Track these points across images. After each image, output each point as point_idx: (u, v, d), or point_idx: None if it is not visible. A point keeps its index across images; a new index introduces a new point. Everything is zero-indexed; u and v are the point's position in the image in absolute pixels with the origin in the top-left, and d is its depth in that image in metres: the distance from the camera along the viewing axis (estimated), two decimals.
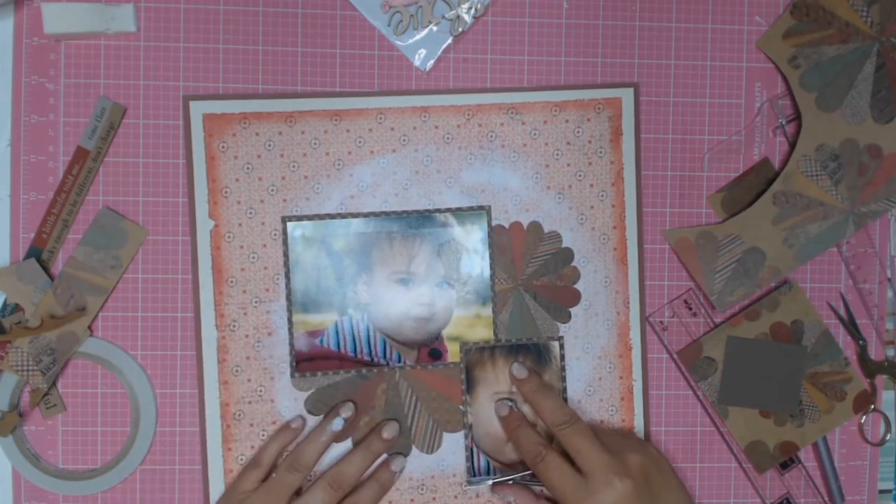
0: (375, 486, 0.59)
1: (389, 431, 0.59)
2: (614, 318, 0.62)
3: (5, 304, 0.58)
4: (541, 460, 0.56)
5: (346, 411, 0.59)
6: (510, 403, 0.61)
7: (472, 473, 0.61)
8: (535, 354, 0.61)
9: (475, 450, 0.61)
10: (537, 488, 0.60)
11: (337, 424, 0.58)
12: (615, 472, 0.54)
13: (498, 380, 0.61)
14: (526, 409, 0.61)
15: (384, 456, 0.60)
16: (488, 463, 0.61)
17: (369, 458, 0.59)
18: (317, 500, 0.56)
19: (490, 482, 0.60)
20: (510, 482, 0.60)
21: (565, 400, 0.61)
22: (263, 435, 0.60)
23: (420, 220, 0.61)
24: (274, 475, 0.58)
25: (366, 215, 0.60)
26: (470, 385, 0.61)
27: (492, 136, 0.61)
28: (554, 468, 0.56)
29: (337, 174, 0.60)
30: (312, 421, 0.60)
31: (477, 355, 0.61)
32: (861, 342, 0.64)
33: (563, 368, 0.61)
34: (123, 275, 0.59)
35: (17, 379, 0.58)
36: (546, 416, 0.58)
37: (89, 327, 0.58)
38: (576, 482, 0.55)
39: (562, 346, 0.61)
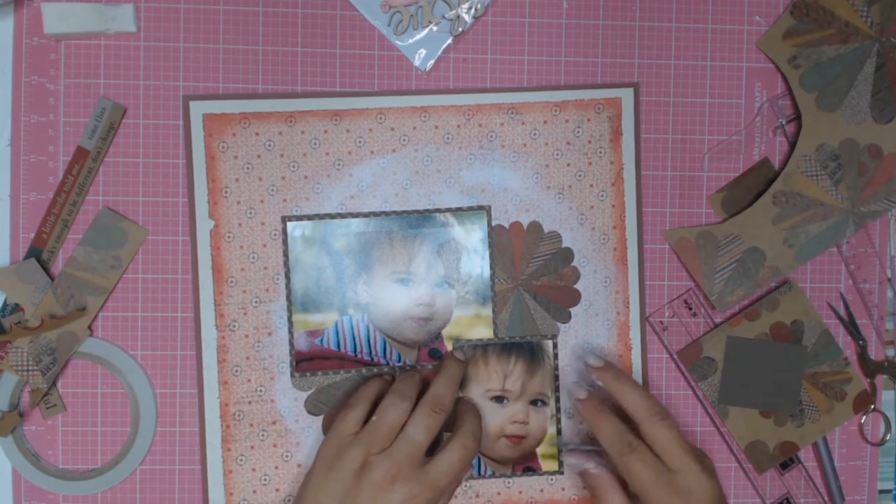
0: (468, 432, 0.56)
1: (461, 352, 0.60)
2: (614, 318, 0.62)
3: (5, 304, 0.58)
4: (630, 451, 0.54)
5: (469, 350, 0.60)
6: (590, 389, 0.59)
7: None
8: (528, 353, 0.61)
9: None
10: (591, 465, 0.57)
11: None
12: (703, 471, 0.54)
13: (490, 377, 0.61)
14: (520, 407, 0.61)
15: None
16: (479, 459, 0.61)
17: (455, 377, 0.58)
18: (423, 427, 0.54)
19: (489, 475, 0.60)
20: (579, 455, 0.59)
21: (557, 400, 0.61)
22: (263, 435, 0.60)
23: (420, 220, 0.60)
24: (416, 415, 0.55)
25: (366, 215, 0.60)
26: (462, 382, 0.61)
27: (492, 136, 0.61)
28: (646, 462, 0.54)
29: (337, 174, 0.60)
30: (309, 420, 0.60)
31: (469, 353, 0.61)
32: (861, 342, 0.64)
33: (556, 367, 0.61)
34: (123, 275, 0.59)
35: (17, 379, 0.58)
36: (634, 406, 0.56)
37: (89, 327, 0.58)
38: (666, 478, 0.53)
39: (555, 346, 0.61)
